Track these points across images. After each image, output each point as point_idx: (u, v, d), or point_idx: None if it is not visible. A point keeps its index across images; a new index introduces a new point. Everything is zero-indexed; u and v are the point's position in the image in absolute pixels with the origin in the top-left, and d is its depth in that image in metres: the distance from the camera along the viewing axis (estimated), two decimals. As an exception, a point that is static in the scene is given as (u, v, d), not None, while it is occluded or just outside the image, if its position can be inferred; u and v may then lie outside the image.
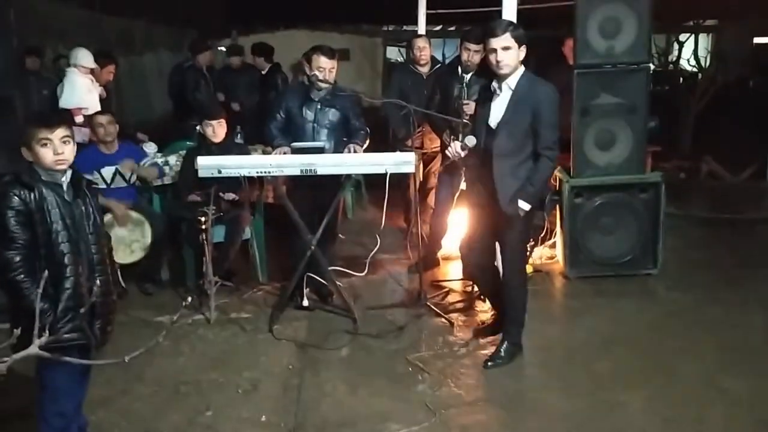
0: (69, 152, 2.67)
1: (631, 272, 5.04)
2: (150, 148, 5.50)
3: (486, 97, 3.72)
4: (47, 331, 2.33)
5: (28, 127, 2.67)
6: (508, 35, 3.48)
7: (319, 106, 4.50)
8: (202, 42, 8.00)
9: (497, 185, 3.58)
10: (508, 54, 3.50)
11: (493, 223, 3.75)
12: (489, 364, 3.82)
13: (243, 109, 7.23)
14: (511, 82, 3.57)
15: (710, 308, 4.54)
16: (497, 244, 3.85)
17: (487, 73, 3.83)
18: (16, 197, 2.56)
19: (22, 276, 2.54)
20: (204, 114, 4.98)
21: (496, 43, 3.48)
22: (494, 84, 3.64)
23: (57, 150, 2.63)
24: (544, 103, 3.54)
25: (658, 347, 4.03)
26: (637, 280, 5.01)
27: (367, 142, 4.59)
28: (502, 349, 3.86)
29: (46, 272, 2.16)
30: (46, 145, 2.62)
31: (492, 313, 4.29)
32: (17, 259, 2.54)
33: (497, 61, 3.51)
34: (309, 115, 4.50)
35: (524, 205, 3.57)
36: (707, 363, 3.83)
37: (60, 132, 2.64)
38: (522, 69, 3.59)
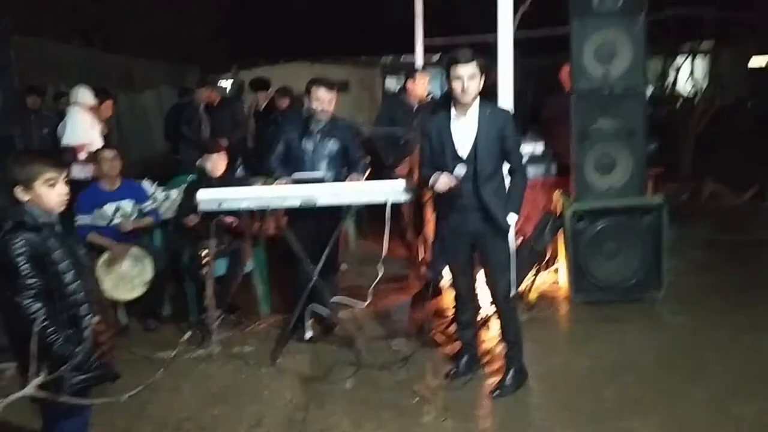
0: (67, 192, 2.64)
1: (635, 296, 4.99)
2: (148, 185, 5.49)
3: (438, 127, 3.70)
4: (78, 371, 2.39)
5: (31, 166, 2.55)
6: (474, 63, 3.53)
7: (318, 137, 4.51)
8: (201, 80, 8.08)
9: (491, 207, 3.64)
10: (474, 82, 3.55)
11: (471, 250, 3.82)
12: (495, 393, 3.78)
13: (230, 144, 7.22)
14: (474, 109, 3.63)
15: (717, 331, 4.49)
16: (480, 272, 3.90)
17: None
18: (24, 242, 2.47)
19: (47, 322, 2.44)
20: (203, 149, 5.02)
21: (463, 70, 3.52)
22: (454, 112, 3.66)
23: (62, 191, 2.58)
24: (508, 126, 3.66)
25: (666, 372, 3.98)
26: (643, 304, 4.96)
27: (367, 172, 4.62)
28: (507, 377, 3.82)
29: (44, 313, 2.12)
30: (53, 185, 2.55)
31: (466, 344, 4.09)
32: (38, 305, 2.45)
33: (464, 89, 3.54)
34: (308, 146, 4.52)
35: (512, 218, 3.70)
36: (717, 387, 3.77)
37: (64, 172, 2.60)
38: (479, 96, 3.64)
